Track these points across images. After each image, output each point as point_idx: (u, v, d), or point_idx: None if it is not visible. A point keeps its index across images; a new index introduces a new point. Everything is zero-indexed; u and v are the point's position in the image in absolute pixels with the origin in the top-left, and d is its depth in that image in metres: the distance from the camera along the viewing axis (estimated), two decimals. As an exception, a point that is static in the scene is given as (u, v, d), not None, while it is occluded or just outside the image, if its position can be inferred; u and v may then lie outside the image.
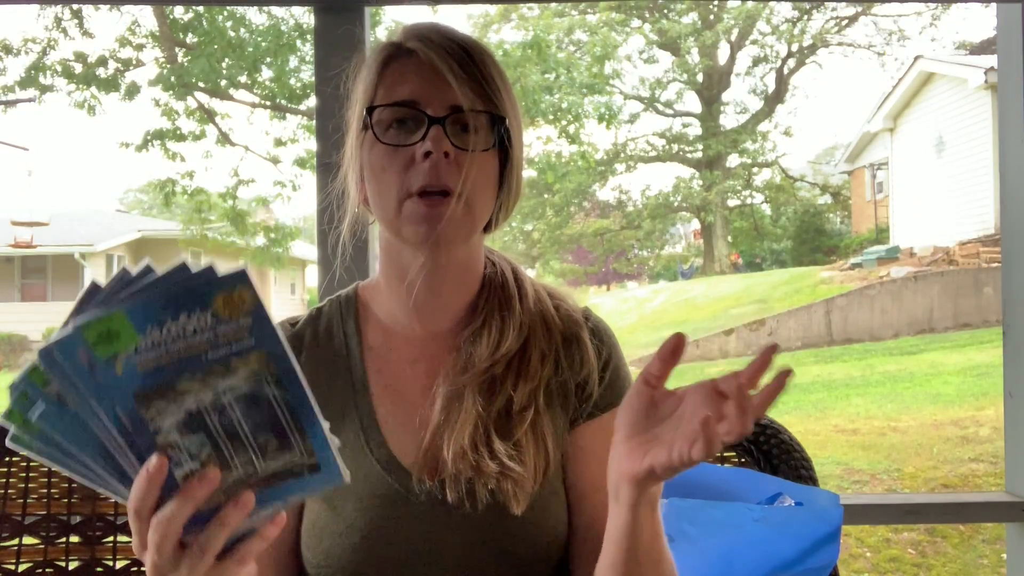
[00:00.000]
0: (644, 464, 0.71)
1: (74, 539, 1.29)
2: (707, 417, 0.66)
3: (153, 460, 0.63)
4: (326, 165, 1.55)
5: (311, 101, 10.08)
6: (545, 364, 0.96)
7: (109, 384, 0.60)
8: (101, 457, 0.64)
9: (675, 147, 25.47)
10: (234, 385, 0.62)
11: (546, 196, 23.37)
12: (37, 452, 0.64)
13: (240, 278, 0.60)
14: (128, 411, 0.62)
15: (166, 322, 0.60)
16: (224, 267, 0.60)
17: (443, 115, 0.90)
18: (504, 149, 0.95)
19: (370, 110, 0.93)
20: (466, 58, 0.92)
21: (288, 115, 10.74)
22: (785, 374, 0.67)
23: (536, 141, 11.32)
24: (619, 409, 0.75)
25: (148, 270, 0.61)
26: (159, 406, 0.62)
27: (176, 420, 0.63)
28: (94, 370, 0.60)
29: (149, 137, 10.27)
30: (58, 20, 10.17)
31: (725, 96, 25.01)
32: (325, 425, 0.66)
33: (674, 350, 0.72)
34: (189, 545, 0.66)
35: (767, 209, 26.52)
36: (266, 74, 10.07)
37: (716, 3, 23.14)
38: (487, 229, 1.00)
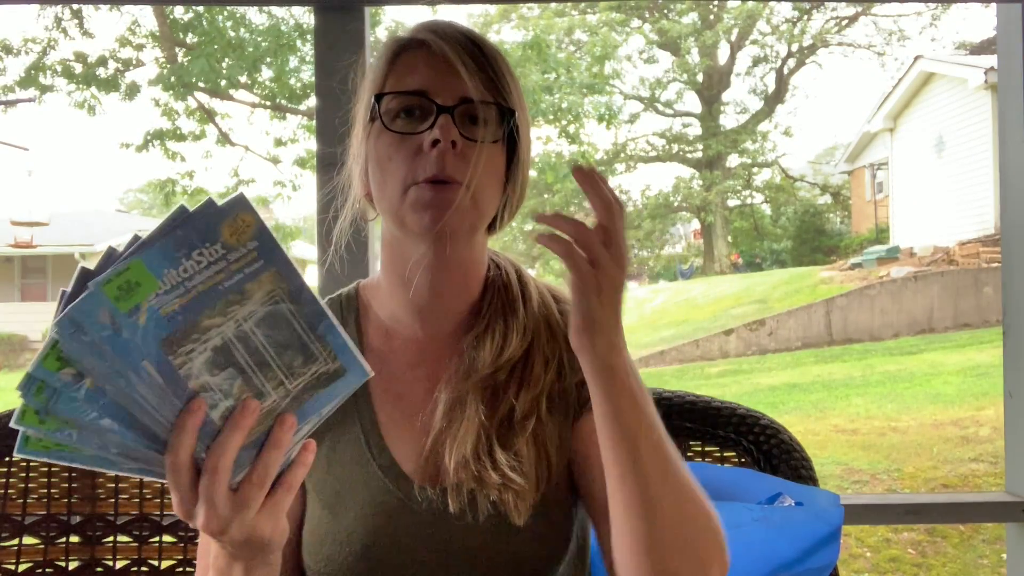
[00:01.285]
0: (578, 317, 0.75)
1: (74, 539, 1.29)
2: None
3: (191, 404, 0.64)
4: (326, 163, 1.55)
5: (311, 101, 10.08)
6: (548, 370, 0.95)
7: (135, 338, 0.61)
8: (129, 429, 0.64)
9: (675, 147, 25.48)
10: (252, 310, 0.64)
11: (546, 196, 23.35)
12: (53, 454, 0.63)
13: (240, 204, 0.62)
14: (158, 361, 0.62)
15: (182, 261, 0.61)
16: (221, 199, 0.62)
17: (452, 104, 0.89)
18: (512, 144, 0.94)
19: (379, 97, 0.92)
20: (477, 51, 0.91)
21: (288, 115, 10.74)
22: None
23: (536, 141, 11.32)
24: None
25: (136, 238, 0.62)
26: (186, 348, 0.63)
27: (204, 359, 0.63)
28: (118, 328, 0.60)
29: (149, 137, 10.27)
30: (58, 20, 10.18)
31: (725, 96, 25.04)
32: (339, 326, 0.67)
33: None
34: (240, 488, 0.68)
35: (767, 209, 26.52)
36: (266, 74, 10.07)
37: (716, 3, 23.15)
38: (491, 229, 0.99)
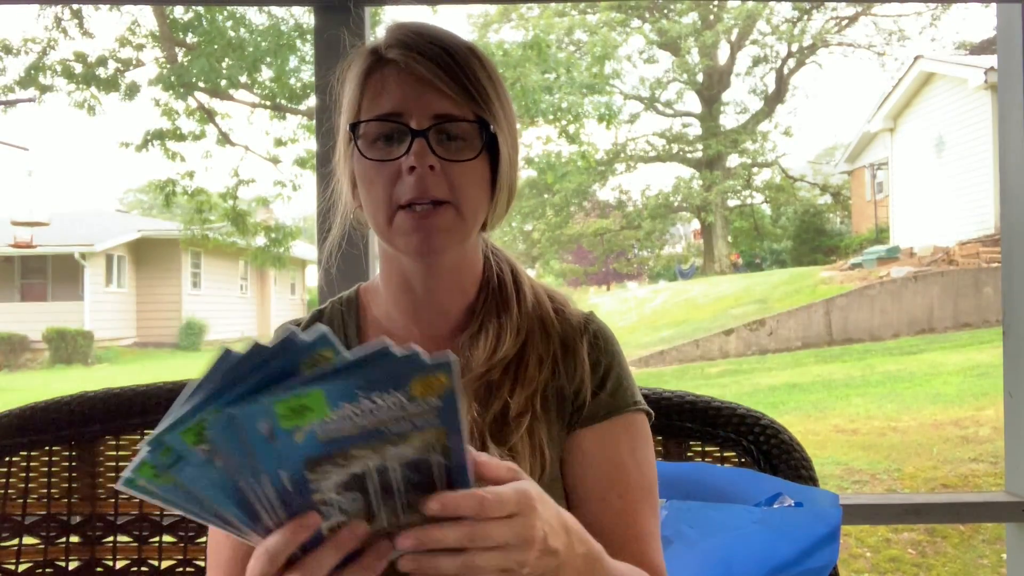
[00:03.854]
0: None
1: (74, 539, 1.29)
2: None
3: (307, 517, 0.64)
4: (326, 163, 1.55)
5: (311, 101, 10.08)
6: (542, 369, 0.96)
7: (284, 451, 0.61)
8: (237, 507, 0.64)
9: (675, 147, 25.48)
10: (404, 452, 0.63)
11: (546, 196, 23.36)
12: (153, 497, 0.64)
13: (444, 367, 0.60)
14: (294, 474, 0.62)
15: (360, 400, 0.60)
16: (429, 355, 0.60)
17: (427, 127, 0.89)
18: (494, 150, 0.94)
19: (354, 126, 0.93)
20: (450, 63, 0.91)
21: (288, 115, 10.74)
22: None
23: (536, 141, 11.32)
24: None
25: (324, 339, 0.60)
26: (326, 469, 0.62)
27: (338, 480, 0.63)
28: (272, 438, 0.60)
29: (149, 137, 10.27)
30: (58, 20, 10.18)
31: (725, 96, 25.02)
32: (474, 484, 0.66)
33: None
34: None
35: (767, 209, 26.52)
36: (266, 74, 10.07)
37: (716, 3, 23.14)
38: (483, 228, 0.99)
